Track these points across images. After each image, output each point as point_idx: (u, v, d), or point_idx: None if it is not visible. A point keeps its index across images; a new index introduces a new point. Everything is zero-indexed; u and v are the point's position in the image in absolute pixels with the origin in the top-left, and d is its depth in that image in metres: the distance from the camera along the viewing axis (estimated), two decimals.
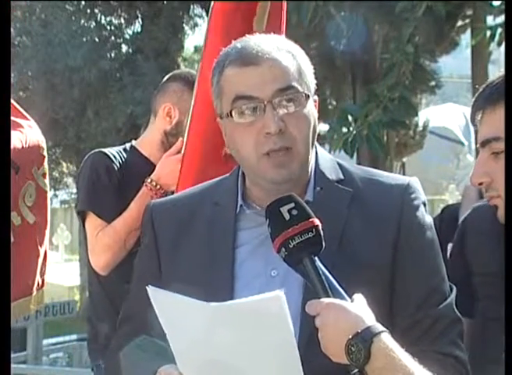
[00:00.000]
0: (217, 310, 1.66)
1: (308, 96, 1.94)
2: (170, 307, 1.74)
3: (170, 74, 3.74)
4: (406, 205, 1.96)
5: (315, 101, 1.99)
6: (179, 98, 3.59)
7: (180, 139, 3.47)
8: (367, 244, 1.92)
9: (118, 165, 3.54)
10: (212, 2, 3.49)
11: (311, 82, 1.98)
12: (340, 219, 1.93)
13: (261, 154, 1.91)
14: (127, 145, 3.69)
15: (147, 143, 3.65)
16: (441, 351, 1.89)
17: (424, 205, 2.00)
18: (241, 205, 1.99)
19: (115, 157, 3.56)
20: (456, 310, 1.97)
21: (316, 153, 2.02)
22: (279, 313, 1.63)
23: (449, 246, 3.87)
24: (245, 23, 3.32)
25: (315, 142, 2.01)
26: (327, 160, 2.04)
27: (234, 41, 2.00)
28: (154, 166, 3.54)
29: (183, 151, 3.29)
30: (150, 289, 1.73)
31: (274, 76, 1.90)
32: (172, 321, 1.75)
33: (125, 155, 3.60)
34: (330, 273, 1.77)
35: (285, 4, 3.41)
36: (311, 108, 1.95)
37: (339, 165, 2.04)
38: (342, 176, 2.01)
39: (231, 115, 1.93)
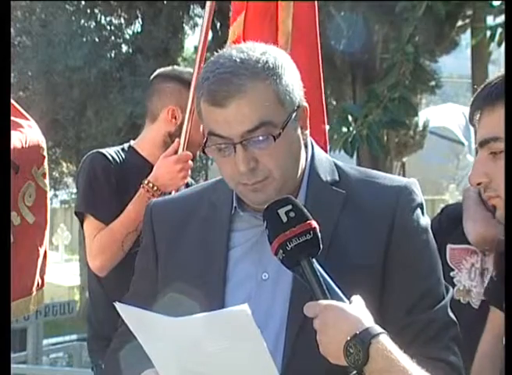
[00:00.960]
0: (186, 323, 1.67)
1: (287, 123, 1.88)
2: (140, 322, 1.75)
3: (157, 74, 3.71)
4: (400, 206, 1.94)
5: (304, 108, 1.94)
6: (179, 98, 3.57)
7: (177, 140, 3.47)
8: (358, 246, 1.90)
9: (116, 165, 3.53)
10: (208, 2, 3.51)
11: (296, 95, 1.91)
12: (331, 220, 1.92)
13: (237, 181, 1.91)
14: (125, 145, 3.68)
15: (147, 144, 3.64)
16: (433, 355, 1.87)
17: (422, 207, 1.97)
18: (235, 207, 1.99)
19: (113, 157, 3.55)
20: (450, 314, 1.95)
21: (312, 154, 2.01)
22: (246, 326, 1.63)
23: (448, 247, 3.86)
24: (273, 24, 3.33)
25: (307, 145, 2.00)
26: (323, 161, 2.02)
27: (211, 60, 1.93)
28: (153, 167, 3.53)
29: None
30: (117, 305, 1.74)
31: (242, 118, 1.84)
32: (145, 334, 1.76)
33: (123, 156, 3.59)
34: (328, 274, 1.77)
35: (316, 4, 3.38)
36: (291, 131, 1.90)
37: (336, 166, 2.02)
38: (337, 178, 1.99)
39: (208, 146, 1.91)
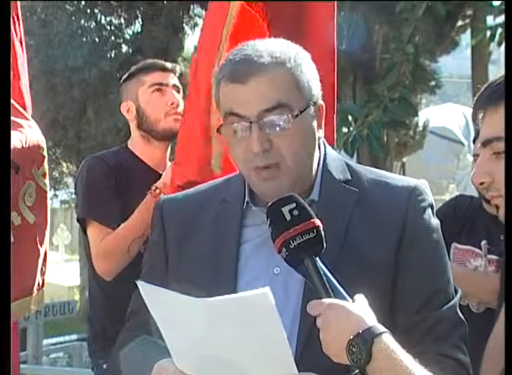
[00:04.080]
0: (207, 306, 1.67)
1: (303, 109, 1.91)
2: (162, 303, 1.75)
3: None
4: (411, 206, 1.96)
5: (320, 106, 1.98)
6: (126, 92, 3.72)
7: None
8: (370, 245, 1.92)
9: (113, 168, 3.59)
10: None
11: (314, 89, 1.96)
12: (345, 219, 1.94)
13: (250, 168, 1.92)
14: (122, 146, 3.80)
15: (133, 143, 3.74)
16: (441, 353, 1.89)
17: (432, 207, 2.00)
18: (247, 202, 2.00)
19: (109, 160, 3.61)
20: (459, 313, 1.97)
21: (325, 153, 2.04)
22: (266, 309, 1.64)
23: (454, 246, 3.86)
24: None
25: (320, 145, 2.02)
26: (335, 160, 2.05)
27: (233, 49, 1.99)
28: (146, 165, 3.64)
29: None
30: (140, 285, 1.74)
31: (261, 96, 1.88)
32: (165, 317, 1.76)
33: (119, 157, 3.67)
34: (331, 273, 1.77)
35: (335, 4, 3.32)
36: (306, 120, 1.93)
37: (348, 165, 2.05)
38: (349, 177, 2.02)
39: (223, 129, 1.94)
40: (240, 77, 1.89)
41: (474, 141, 3.86)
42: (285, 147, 1.90)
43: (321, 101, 1.98)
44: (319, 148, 2.02)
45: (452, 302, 1.96)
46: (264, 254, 1.95)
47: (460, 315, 1.97)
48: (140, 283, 1.74)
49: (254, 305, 1.64)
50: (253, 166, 1.92)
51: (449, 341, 1.92)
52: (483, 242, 3.76)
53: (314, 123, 1.97)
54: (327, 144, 2.07)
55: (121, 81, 3.79)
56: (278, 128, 1.89)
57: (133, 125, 3.71)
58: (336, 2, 3.21)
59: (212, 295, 1.68)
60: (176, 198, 2.18)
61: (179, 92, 3.69)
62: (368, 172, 2.05)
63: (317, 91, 1.97)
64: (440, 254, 1.99)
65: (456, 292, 1.99)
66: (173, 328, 1.76)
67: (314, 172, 1.99)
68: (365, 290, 1.76)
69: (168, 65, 3.75)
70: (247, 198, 2.01)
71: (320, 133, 2.00)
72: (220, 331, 1.67)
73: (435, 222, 1.99)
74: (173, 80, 3.70)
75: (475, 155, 3.73)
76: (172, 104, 3.63)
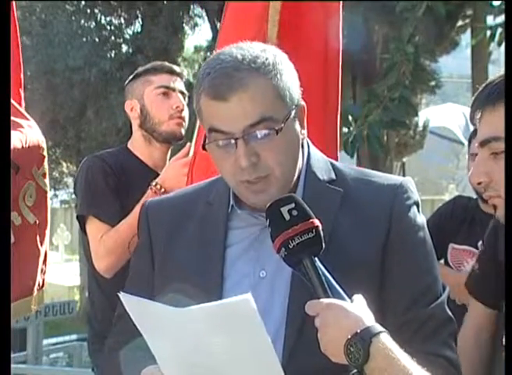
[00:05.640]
0: (189, 314, 1.66)
1: (288, 117, 1.89)
2: (144, 313, 1.74)
3: None
4: (397, 204, 1.95)
5: (302, 107, 1.96)
6: (131, 91, 3.73)
7: (188, 144, 3.51)
8: (356, 244, 1.91)
9: (112, 167, 3.59)
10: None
11: (295, 92, 1.93)
12: (329, 218, 1.92)
13: (239, 181, 1.91)
14: (122, 147, 3.81)
15: (134, 143, 3.75)
16: (432, 351, 1.88)
17: (417, 205, 1.99)
18: (232, 205, 2.00)
19: (109, 160, 3.62)
20: (448, 310, 1.97)
21: (308, 153, 2.02)
22: (249, 316, 1.63)
23: (451, 246, 3.86)
24: (257, 24, 3.28)
25: (303, 145, 2.00)
26: (319, 161, 2.03)
27: (211, 58, 1.94)
28: (146, 165, 3.65)
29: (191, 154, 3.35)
30: (122, 296, 1.73)
31: (244, 112, 1.85)
32: (149, 326, 1.76)
33: (119, 157, 3.68)
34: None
35: (341, 4, 3.28)
36: (291, 127, 1.91)
37: (332, 165, 2.04)
38: (334, 177, 2.00)
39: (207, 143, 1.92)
40: (220, 94, 1.85)
41: (469, 140, 3.87)
42: (272, 158, 1.88)
43: (302, 102, 1.96)
44: (303, 148, 2.01)
45: (440, 299, 1.95)
46: (250, 257, 1.95)
47: (449, 312, 1.97)
48: (121, 295, 1.73)
49: (236, 311, 1.63)
50: (242, 179, 1.90)
51: (438, 339, 1.91)
52: (480, 242, 3.76)
53: (298, 126, 1.95)
54: (311, 144, 2.05)
55: (126, 81, 3.80)
56: (263, 141, 1.86)
57: (135, 124, 3.72)
58: (340, 3, 3.18)
59: (198, 298, 1.67)
60: (161, 201, 2.16)
61: (184, 98, 3.70)
62: (353, 171, 2.04)
63: (297, 93, 1.95)
64: (427, 251, 1.98)
65: (443, 289, 1.98)
66: (157, 337, 1.75)
67: (297, 173, 1.98)
68: (354, 289, 1.76)
69: (176, 68, 3.76)
70: (231, 202, 2.00)
71: (303, 133, 1.98)
72: (204, 339, 1.67)
73: (420, 219, 1.98)
74: (180, 84, 3.71)
75: (472, 154, 3.75)
76: (177, 107, 3.64)
